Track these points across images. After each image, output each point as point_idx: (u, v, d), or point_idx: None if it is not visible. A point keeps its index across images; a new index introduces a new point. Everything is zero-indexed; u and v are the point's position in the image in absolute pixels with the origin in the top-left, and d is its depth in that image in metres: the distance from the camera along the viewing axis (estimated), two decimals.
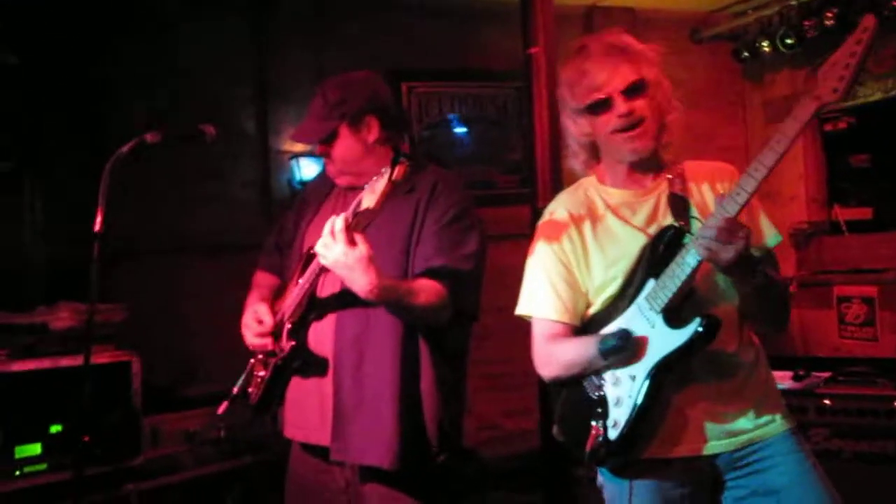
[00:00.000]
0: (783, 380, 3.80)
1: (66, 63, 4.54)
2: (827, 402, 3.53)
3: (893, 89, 5.36)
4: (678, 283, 2.14)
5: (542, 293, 2.38)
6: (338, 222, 2.30)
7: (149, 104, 4.70)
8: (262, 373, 2.74)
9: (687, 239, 2.18)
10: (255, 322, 2.69)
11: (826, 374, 3.78)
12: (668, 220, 2.30)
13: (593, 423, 2.22)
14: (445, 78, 5.83)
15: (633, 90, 2.26)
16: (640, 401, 2.17)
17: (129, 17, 4.85)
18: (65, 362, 3.50)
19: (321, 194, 2.87)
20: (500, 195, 5.85)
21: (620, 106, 2.25)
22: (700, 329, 2.10)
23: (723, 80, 6.39)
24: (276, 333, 2.68)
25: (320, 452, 2.63)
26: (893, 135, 5.67)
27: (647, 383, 2.16)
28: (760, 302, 2.22)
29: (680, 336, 2.12)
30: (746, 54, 5.99)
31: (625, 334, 2.16)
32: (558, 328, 2.36)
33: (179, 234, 4.85)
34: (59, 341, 3.59)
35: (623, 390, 2.20)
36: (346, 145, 2.67)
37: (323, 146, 2.70)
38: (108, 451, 3.44)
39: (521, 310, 2.44)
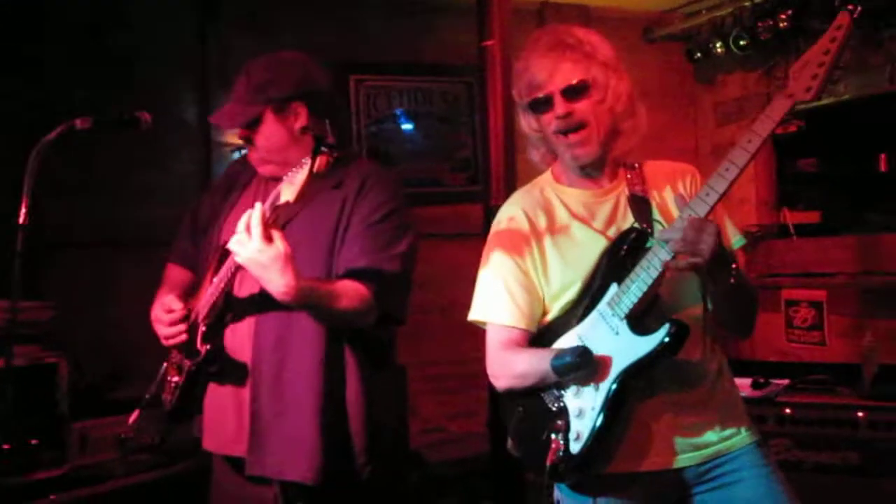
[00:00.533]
0: (742, 388, 3.69)
1: None
2: (787, 411, 3.48)
3: (844, 94, 5.35)
4: (643, 287, 2.04)
5: (496, 297, 2.26)
6: (254, 216, 2.12)
7: (85, 91, 4.48)
8: (175, 378, 2.55)
9: (651, 242, 2.09)
10: (165, 312, 2.50)
11: (785, 382, 3.73)
12: (629, 222, 2.20)
13: (553, 437, 2.10)
14: (394, 72, 5.69)
15: (574, 91, 2.15)
16: (604, 412, 2.06)
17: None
18: None
19: (243, 180, 2.68)
20: (447, 193, 5.77)
21: (559, 106, 2.16)
22: (669, 336, 2.00)
23: (674, 80, 6.34)
24: (190, 335, 2.49)
25: (241, 465, 2.46)
26: (842, 140, 5.68)
27: (611, 393, 2.05)
28: (733, 304, 2.14)
29: (647, 343, 2.02)
30: (699, 55, 5.94)
31: (583, 351, 2.03)
32: (514, 334, 2.24)
33: (115, 227, 4.64)
34: None
35: (585, 401, 2.09)
36: (269, 132, 2.49)
37: (245, 131, 2.52)
38: (30, 459, 3.22)
39: (474, 315, 2.32)
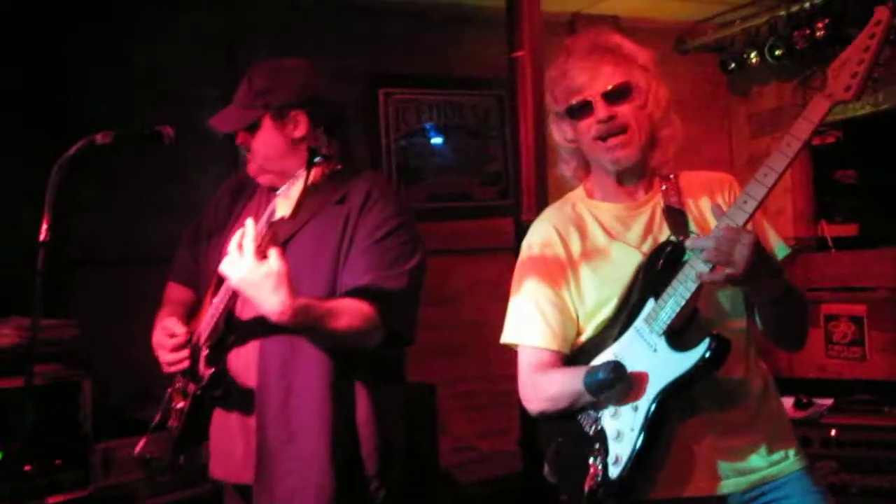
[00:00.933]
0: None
1: (21, 60, 4.29)
2: (833, 432, 3.35)
3: (883, 103, 5.24)
4: (681, 301, 1.95)
5: (528, 319, 2.17)
6: (246, 234, 2.02)
7: (110, 106, 4.45)
8: (180, 404, 2.46)
9: (688, 255, 1.99)
10: (167, 337, 2.41)
11: (828, 402, 3.61)
12: (665, 234, 2.11)
13: (591, 461, 2.01)
14: (424, 85, 5.63)
15: (617, 94, 2.06)
16: (643, 433, 1.96)
17: (91, 13, 4.62)
18: (4, 384, 3.17)
19: (247, 192, 2.58)
20: (478, 207, 5.70)
21: (601, 110, 2.06)
22: (709, 351, 1.90)
23: (708, 91, 6.25)
24: (193, 358, 2.40)
25: (250, 493, 2.36)
26: (881, 150, 5.56)
27: (651, 413, 1.95)
28: (782, 315, 2.03)
29: (687, 359, 1.92)
30: (733, 65, 5.85)
31: (615, 366, 1.94)
32: (546, 356, 2.15)
33: (140, 245, 4.57)
34: (2, 360, 3.27)
35: (624, 422, 1.99)
36: (267, 139, 2.40)
37: (244, 136, 2.43)
38: (53, 481, 3.16)
39: (506, 337, 2.23)
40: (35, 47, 4.35)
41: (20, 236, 2.44)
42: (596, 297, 2.12)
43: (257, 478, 2.32)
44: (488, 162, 5.79)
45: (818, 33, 5.13)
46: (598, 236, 2.17)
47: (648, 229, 2.14)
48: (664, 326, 1.97)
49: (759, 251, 1.85)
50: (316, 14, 5.20)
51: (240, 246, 2.03)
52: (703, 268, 1.90)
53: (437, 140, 5.71)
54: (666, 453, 2.00)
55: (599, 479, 1.99)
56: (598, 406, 2.05)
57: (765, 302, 2.00)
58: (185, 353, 2.39)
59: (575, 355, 2.16)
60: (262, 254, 2.02)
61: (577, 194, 2.28)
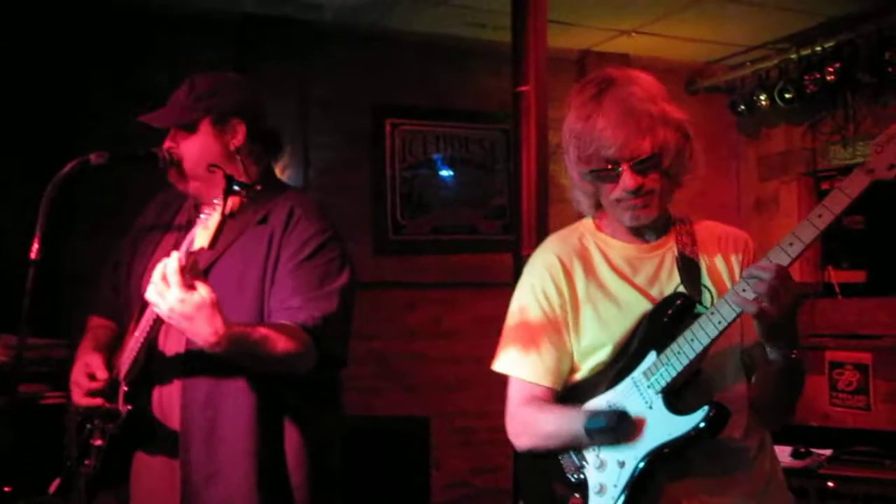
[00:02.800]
0: (781, 457, 3.48)
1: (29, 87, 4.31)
2: (830, 484, 3.28)
3: None
4: (685, 361, 1.88)
5: (522, 350, 2.10)
6: (169, 265, 1.94)
7: (116, 130, 4.45)
8: (98, 442, 2.33)
9: (700, 309, 1.93)
10: (85, 378, 2.30)
11: (827, 452, 3.53)
12: (674, 283, 2.03)
13: None
14: (431, 117, 5.65)
15: (645, 164, 1.96)
16: (626, 493, 1.89)
17: (98, 39, 4.65)
18: None
19: (165, 220, 2.50)
20: (482, 241, 5.70)
21: (628, 180, 1.96)
22: (706, 421, 1.84)
23: (717, 132, 6.22)
24: (111, 394, 2.29)
25: None
26: (890, 197, 5.49)
27: (637, 472, 1.89)
28: (785, 384, 1.96)
29: (682, 424, 1.86)
30: (743, 107, 5.83)
31: (617, 416, 1.89)
32: (539, 392, 2.08)
33: None
34: None
35: (608, 477, 1.93)
36: (204, 143, 2.33)
37: (174, 139, 2.35)
38: (34, 503, 3.11)
39: (498, 366, 2.15)
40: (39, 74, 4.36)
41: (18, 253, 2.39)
42: (594, 336, 2.05)
43: None
44: (493, 195, 5.79)
45: (829, 77, 5.12)
46: (604, 273, 2.09)
47: (657, 274, 2.06)
48: (663, 384, 1.90)
49: (799, 298, 1.81)
50: (323, 44, 5.23)
51: (163, 277, 1.96)
52: (732, 314, 1.83)
53: (444, 172, 5.71)
54: None
55: None
56: (581, 449, 1.99)
57: (774, 360, 1.91)
58: (99, 400, 2.28)
59: (566, 394, 2.09)
60: (187, 284, 1.94)
61: (586, 226, 2.19)
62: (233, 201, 1.89)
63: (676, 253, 2.07)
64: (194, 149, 2.34)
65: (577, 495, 1.95)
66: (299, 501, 2.25)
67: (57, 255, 2.25)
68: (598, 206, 2.13)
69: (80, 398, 2.31)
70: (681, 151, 2.02)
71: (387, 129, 5.53)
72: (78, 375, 2.33)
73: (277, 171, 2.63)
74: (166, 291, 1.94)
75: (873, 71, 4.94)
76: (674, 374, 1.89)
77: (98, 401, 2.29)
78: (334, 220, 2.41)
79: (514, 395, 2.12)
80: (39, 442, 3.12)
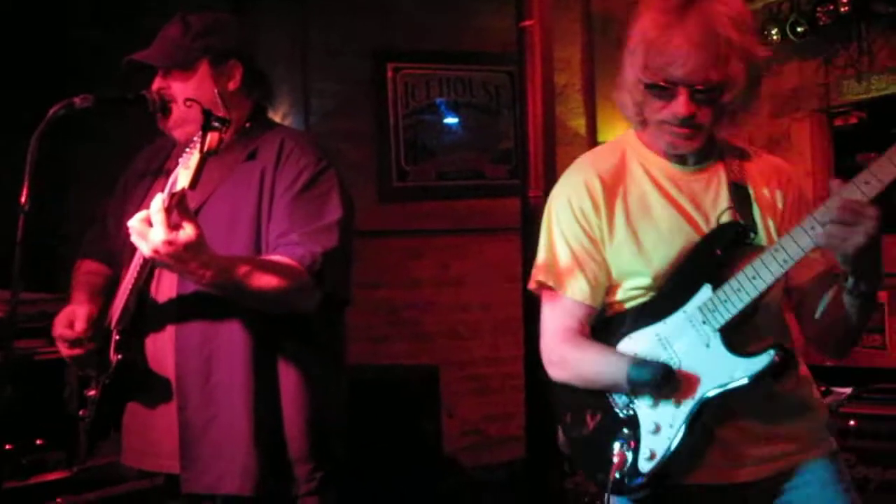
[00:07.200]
0: None
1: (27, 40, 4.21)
2: (852, 423, 3.22)
3: None
4: (746, 299, 1.79)
5: (565, 266, 1.97)
6: (153, 206, 1.87)
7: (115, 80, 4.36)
8: (91, 392, 2.29)
9: (756, 240, 1.84)
10: (66, 328, 2.24)
11: (847, 390, 3.47)
12: (723, 208, 1.91)
13: (617, 447, 1.86)
14: (434, 60, 5.55)
15: (706, 94, 1.82)
16: (685, 432, 1.81)
17: None
18: None
19: (154, 168, 2.41)
20: (489, 186, 5.61)
21: (681, 106, 1.83)
22: (774, 362, 1.76)
23: None
24: (105, 343, 2.24)
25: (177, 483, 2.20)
26: None
27: (694, 412, 1.82)
28: (864, 313, 1.82)
29: (747, 366, 1.78)
30: None
31: (667, 372, 1.80)
32: (583, 313, 1.96)
33: None
34: None
35: (664, 416, 1.84)
36: (200, 86, 2.21)
37: (165, 78, 2.25)
38: (35, 461, 3.05)
39: (541, 278, 2.01)
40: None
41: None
42: (634, 258, 1.93)
43: (183, 464, 2.16)
44: (500, 139, 5.68)
45: (843, 9, 4.94)
46: (647, 193, 1.96)
47: (705, 199, 1.94)
48: (722, 322, 1.81)
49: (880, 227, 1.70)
50: None
51: (146, 219, 1.88)
52: (798, 250, 1.73)
53: (449, 116, 5.61)
54: (702, 448, 1.86)
55: (627, 468, 1.84)
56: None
57: (858, 290, 1.78)
58: (80, 351, 2.24)
59: (606, 324, 1.98)
60: (172, 224, 1.87)
61: (630, 140, 2.04)
62: (212, 137, 1.80)
63: (725, 179, 1.96)
64: (190, 90, 2.21)
65: (625, 430, 1.87)
66: (294, 452, 2.19)
67: (54, 211, 2.15)
68: (643, 116, 1.96)
69: (62, 348, 2.27)
70: (747, 90, 1.86)
71: (388, 73, 5.43)
72: (59, 326, 2.27)
73: (277, 119, 2.53)
74: (149, 232, 1.88)
75: (889, 0, 4.80)
76: (734, 312, 1.80)
77: (77, 350, 2.24)
78: (331, 152, 2.31)
79: (550, 319, 2.01)
80: (38, 398, 3.08)
